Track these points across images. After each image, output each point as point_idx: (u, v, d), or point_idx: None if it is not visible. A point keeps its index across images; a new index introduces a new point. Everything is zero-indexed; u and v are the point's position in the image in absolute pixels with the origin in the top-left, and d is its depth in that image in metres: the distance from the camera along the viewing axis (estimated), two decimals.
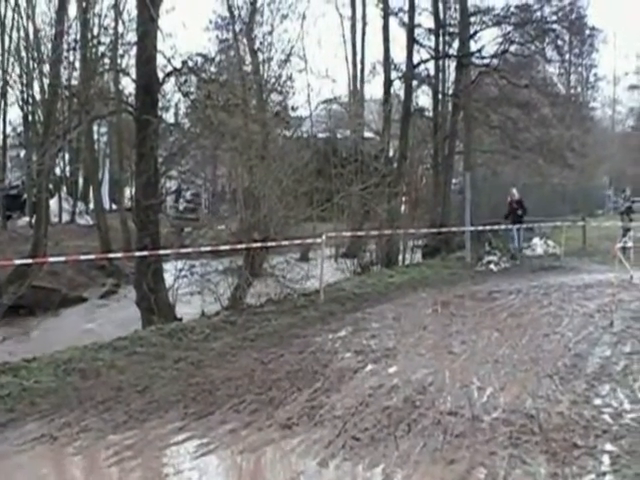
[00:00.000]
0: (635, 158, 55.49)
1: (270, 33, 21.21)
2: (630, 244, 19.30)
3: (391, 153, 24.10)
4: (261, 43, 20.29)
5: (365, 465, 5.78)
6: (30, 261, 15.45)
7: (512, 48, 25.85)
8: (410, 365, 8.89)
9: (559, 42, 28.00)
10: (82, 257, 13.95)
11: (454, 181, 26.15)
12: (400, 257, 21.54)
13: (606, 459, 5.81)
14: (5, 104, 25.76)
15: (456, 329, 11.25)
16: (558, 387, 7.85)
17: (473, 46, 25.30)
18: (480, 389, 7.79)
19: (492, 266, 19.68)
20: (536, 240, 23.55)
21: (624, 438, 6.22)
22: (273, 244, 14.19)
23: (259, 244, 14.04)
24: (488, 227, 20.88)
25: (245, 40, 19.38)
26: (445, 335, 10.88)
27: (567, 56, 34.17)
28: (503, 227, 21.34)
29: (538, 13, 25.76)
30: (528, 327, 11.22)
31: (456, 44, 25.44)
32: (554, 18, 25.96)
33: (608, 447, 6.05)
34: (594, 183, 43.21)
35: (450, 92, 26.04)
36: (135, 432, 6.57)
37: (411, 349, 9.81)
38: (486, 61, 25.38)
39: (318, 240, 15.03)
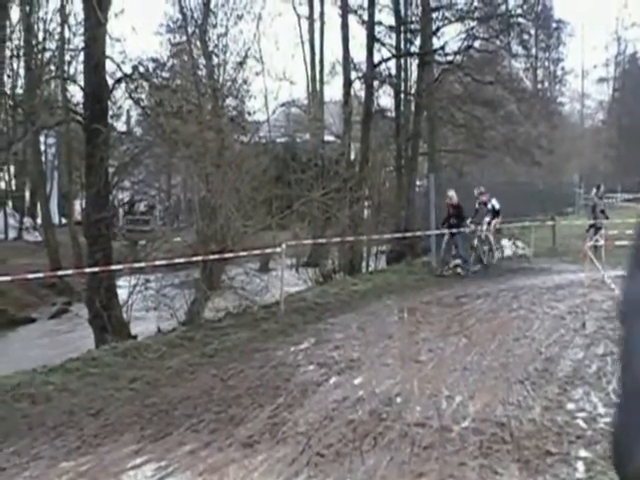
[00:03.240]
0: (606, 153, 55.73)
1: (225, 35, 20.97)
2: (602, 242, 19.25)
3: (352, 156, 23.92)
4: (215, 46, 20.08)
5: None
6: None
7: (476, 44, 25.73)
8: (376, 376, 8.73)
9: (525, 36, 28.12)
10: (30, 276, 13.52)
11: (418, 183, 25.90)
12: (364, 264, 21.34)
13: (580, 466, 5.75)
14: None
15: (423, 337, 11.13)
16: (530, 393, 7.81)
17: (436, 43, 25.00)
18: (449, 398, 7.68)
19: (459, 270, 19.52)
20: (504, 241, 23.45)
21: (599, 443, 6.13)
22: (231, 255, 13.97)
23: (216, 256, 13.74)
24: (454, 230, 20.69)
25: (199, 43, 19.09)
26: (412, 343, 10.79)
27: (533, 50, 34.37)
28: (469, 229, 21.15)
29: (503, 7, 25.67)
30: (497, 332, 11.14)
31: (418, 41, 25.16)
32: (519, 11, 25.90)
33: (582, 453, 6.00)
34: (564, 180, 43.41)
35: (412, 91, 25.79)
36: (89, 458, 6.36)
37: (376, 359, 9.66)
38: (449, 58, 25.10)
39: (278, 249, 14.77)
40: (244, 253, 14.36)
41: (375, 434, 6.57)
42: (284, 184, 18.37)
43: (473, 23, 25.21)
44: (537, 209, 28.71)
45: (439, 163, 26.53)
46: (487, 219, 20.12)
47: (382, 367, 9.19)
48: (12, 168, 29.13)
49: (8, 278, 13.53)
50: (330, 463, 5.97)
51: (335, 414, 7.22)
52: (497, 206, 20.44)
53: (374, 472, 5.75)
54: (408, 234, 20.94)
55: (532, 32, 31.18)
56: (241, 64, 20.17)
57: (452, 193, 19.94)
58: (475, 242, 19.68)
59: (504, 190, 25.86)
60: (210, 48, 19.64)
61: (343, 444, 6.36)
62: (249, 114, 20.99)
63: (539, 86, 42.23)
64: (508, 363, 9.12)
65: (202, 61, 19.25)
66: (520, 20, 26.18)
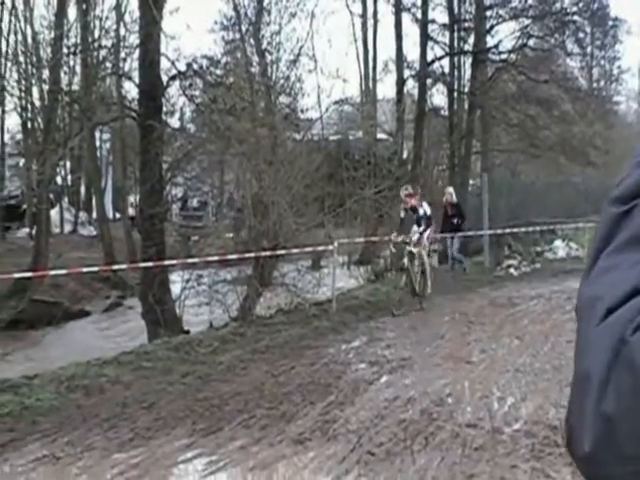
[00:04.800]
0: None
1: (278, 33, 20.85)
2: None
3: (405, 155, 23.84)
4: (269, 43, 19.96)
5: None
6: (30, 274, 15.25)
7: (531, 42, 25.34)
8: (427, 376, 8.68)
9: (580, 34, 27.58)
10: (85, 269, 13.74)
11: (471, 182, 25.71)
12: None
13: None
14: (3, 111, 25.63)
15: (475, 337, 11.02)
16: None
17: (490, 41, 24.84)
18: (500, 400, 7.61)
19: (512, 270, 19.30)
20: (558, 242, 23.11)
21: None
22: (283, 252, 13.97)
23: (268, 252, 13.79)
24: (507, 230, 20.46)
25: (252, 41, 19.12)
26: (463, 344, 10.65)
27: (589, 49, 33.64)
28: (522, 230, 20.86)
29: (558, 4, 25.16)
30: (550, 334, 10.96)
31: (472, 39, 24.98)
32: (574, 9, 25.39)
33: None
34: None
35: (466, 90, 25.60)
36: (141, 450, 6.43)
37: (428, 359, 9.61)
38: (503, 56, 24.88)
39: (330, 247, 14.78)
40: (296, 250, 14.40)
41: (426, 434, 6.53)
42: (336, 182, 18.35)
43: (527, 21, 24.91)
44: (591, 210, 28.22)
45: (492, 162, 26.29)
46: (416, 229, 14.52)
47: (433, 367, 9.13)
48: (68, 163, 29.51)
49: (64, 271, 13.77)
50: (381, 462, 5.94)
51: (386, 413, 7.19)
52: (428, 212, 15.22)
53: (425, 472, 5.71)
54: (460, 234, 20.80)
55: (588, 30, 30.56)
56: (294, 62, 20.16)
57: (451, 190, 19.25)
58: (405, 262, 14.09)
59: (558, 190, 25.55)
60: (263, 46, 19.65)
61: (394, 443, 6.33)
62: (302, 112, 20.98)
63: (594, 85, 41.36)
64: (561, 366, 8.97)
65: (255, 59, 19.29)
66: (575, 18, 25.74)
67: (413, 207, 14.58)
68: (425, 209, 14.92)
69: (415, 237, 14.16)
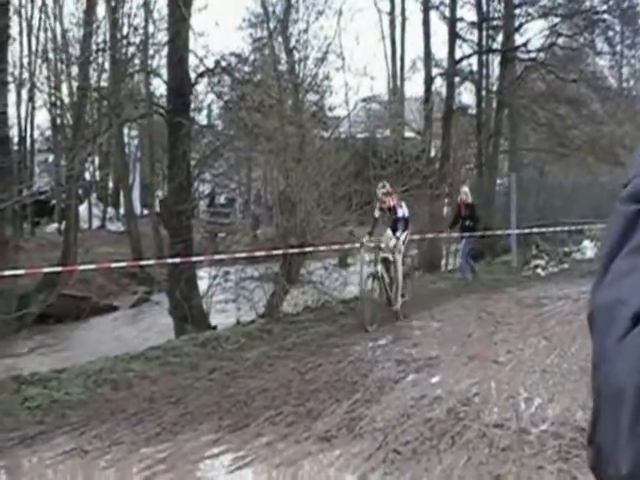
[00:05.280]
0: None
1: (306, 31, 20.80)
2: None
3: (433, 153, 23.73)
4: (297, 41, 19.89)
5: None
6: (59, 269, 15.38)
7: (560, 41, 25.21)
8: (453, 375, 8.67)
9: (610, 33, 27.24)
10: (113, 264, 13.85)
11: (499, 182, 25.57)
12: (443, 262, 21.17)
13: None
14: (33, 107, 25.77)
15: (502, 337, 10.95)
16: None
17: (518, 39, 24.67)
18: (527, 400, 7.57)
19: (539, 270, 19.17)
20: (586, 243, 22.93)
21: None
22: (310, 249, 13.95)
23: (296, 250, 13.79)
24: (535, 230, 20.34)
25: (280, 38, 19.16)
26: (490, 343, 10.60)
27: (619, 48, 33.17)
28: (550, 229, 20.71)
29: (587, 3, 24.96)
30: (578, 335, 10.80)
31: (500, 38, 24.80)
32: (604, 8, 25.12)
33: None
34: None
35: (494, 88, 25.44)
36: (168, 445, 6.47)
37: (454, 358, 9.58)
38: (532, 55, 24.69)
39: (357, 245, 14.73)
40: (323, 248, 14.38)
41: (453, 433, 6.51)
42: (364, 180, 18.28)
43: (557, 19, 24.72)
44: None
45: (520, 162, 26.14)
46: (391, 234, 12.78)
47: (460, 366, 9.10)
48: (97, 159, 29.70)
49: (92, 266, 13.88)
50: (407, 461, 5.93)
51: (412, 412, 7.18)
52: (407, 213, 13.39)
53: (451, 471, 5.70)
54: (488, 233, 20.72)
55: (617, 29, 30.20)
56: (322, 60, 20.14)
57: (467, 190, 18.44)
58: (378, 269, 12.42)
59: (586, 190, 25.35)
60: (291, 43, 19.67)
61: (420, 442, 6.31)
62: (330, 109, 21.01)
63: (624, 85, 40.96)
64: (588, 367, 8.83)
65: (283, 56, 19.33)
66: (605, 16, 25.50)
67: (392, 207, 12.89)
68: (404, 210, 13.21)
69: (392, 242, 12.47)
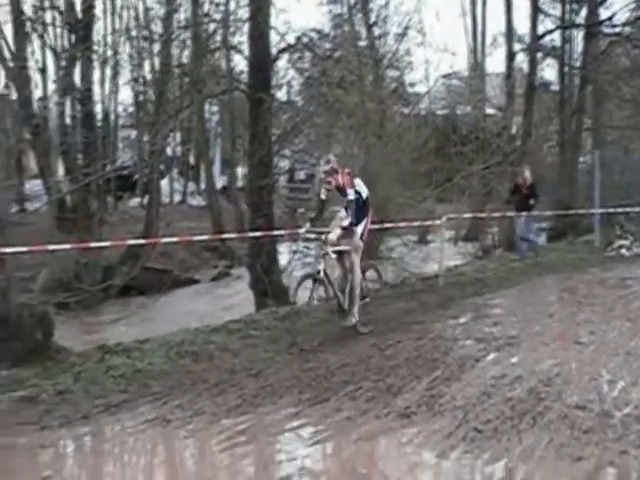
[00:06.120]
0: None
1: (386, 6, 20.66)
2: None
3: (514, 130, 23.41)
4: (377, 17, 19.84)
5: (486, 459, 5.55)
6: (142, 242, 15.68)
7: None
8: (534, 355, 8.53)
9: None
10: (194, 238, 14.05)
11: (582, 160, 25.09)
12: None
13: None
14: (116, 84, 26.20)
15: (584, 318, 10.73)
16: None
17: (603, 14, 24.05)
18: (610, 383, 7.40)
19: (623, 251, 18.75)
20: None
21: None
22: (390, 225, 13.88)
23: (376, 226, 13.73)
24: (619, 209, 19.87)
25: (360, 14, 19.08)
26: (572, 324, 10.45)
27: None
28: (635, 209, 20.16)
29: None
30: None
31: (584, 12, 24.26)
32: None
33: None
34: None
35: (578, 64, 24.91)
36: (249, 417, 6.54)
37: (536, 338, 9.42)
38: (617, 30, 23.99)
39: (437, 222, 14.64)
40: (403, 224, 14.32)
41: (534, 413, 6.43)
42: (444, 157, 18.17)
43: None
44: None
45: (604, 139, 25.54)
46: (344, 217, 9.70)
47: (541, 346, 8.95)
48: (178, 135, 30.09)
49: (174, 239, 14.11)
50: (487, 439, 5.88)
51: (493, 390, 7.11)
52: (364, 194, 9.87)
53: (532, 452, 5.62)
54: (570, 212, 20.35)
55: None
56: (402, 35, 20.01)
57: (528, 173, 17.18)
58: (320, 268, 9.55)
59: None
60: (371, 19, 19.57)
61: (501, 421, 6.26)
62: (410, 85, 20.91)
63: None
64: None
65: (363, 32, 19.26)
66: None
67: (340, 187, 9.54)
68: (360, 190, 9.77)
69: (337, 232, 9.47)
